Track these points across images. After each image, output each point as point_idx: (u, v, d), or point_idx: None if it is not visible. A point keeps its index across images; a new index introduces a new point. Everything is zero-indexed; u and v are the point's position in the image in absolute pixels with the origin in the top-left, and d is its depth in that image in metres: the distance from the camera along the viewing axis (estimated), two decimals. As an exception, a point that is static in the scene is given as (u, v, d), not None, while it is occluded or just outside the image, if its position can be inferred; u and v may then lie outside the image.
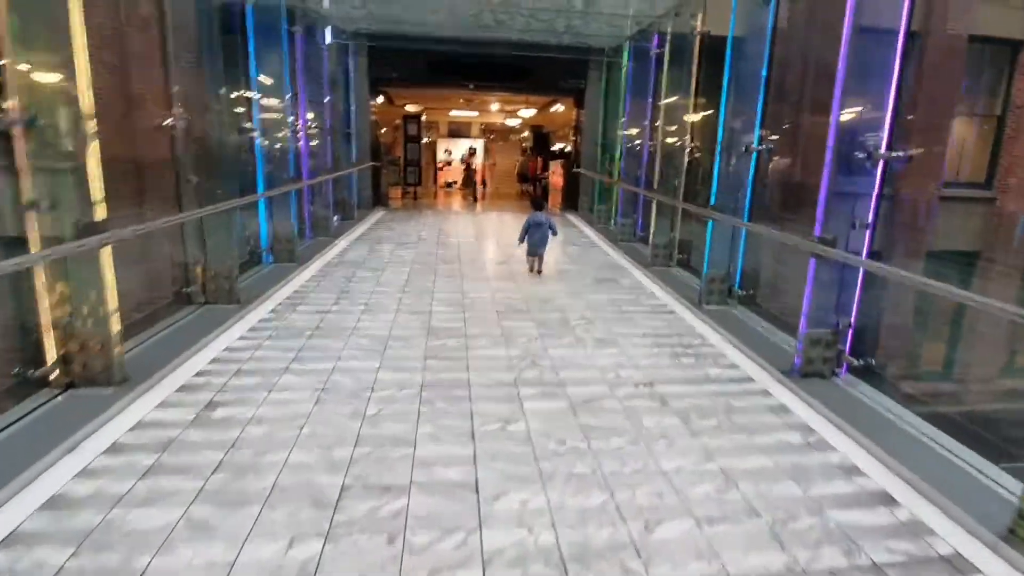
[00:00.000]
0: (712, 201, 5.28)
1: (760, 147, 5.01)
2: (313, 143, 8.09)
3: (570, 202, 12.72)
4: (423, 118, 21.47)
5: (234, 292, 4.64)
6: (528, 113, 18.77)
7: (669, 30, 7.03)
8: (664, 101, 7.34)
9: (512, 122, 22.13)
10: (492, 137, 30.78)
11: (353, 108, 10.71)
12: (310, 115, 8.07)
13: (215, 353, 3.77)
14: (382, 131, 20.09)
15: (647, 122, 8.43)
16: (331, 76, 8.97)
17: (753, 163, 5.09)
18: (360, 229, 9.05)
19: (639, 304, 5.40)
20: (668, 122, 7.23)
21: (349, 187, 9.60)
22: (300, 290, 5.41)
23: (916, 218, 7.89)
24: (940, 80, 7.85)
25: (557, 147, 19.15)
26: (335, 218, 9.16)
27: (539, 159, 20.56)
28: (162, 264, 4.50)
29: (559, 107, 19.29)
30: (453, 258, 7.23)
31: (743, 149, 5.05)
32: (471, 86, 11.51)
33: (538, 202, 7.44)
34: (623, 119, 9.49)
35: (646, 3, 7.67)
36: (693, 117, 6.70)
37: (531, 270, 6.66)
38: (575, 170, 12.06)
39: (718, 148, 5.23)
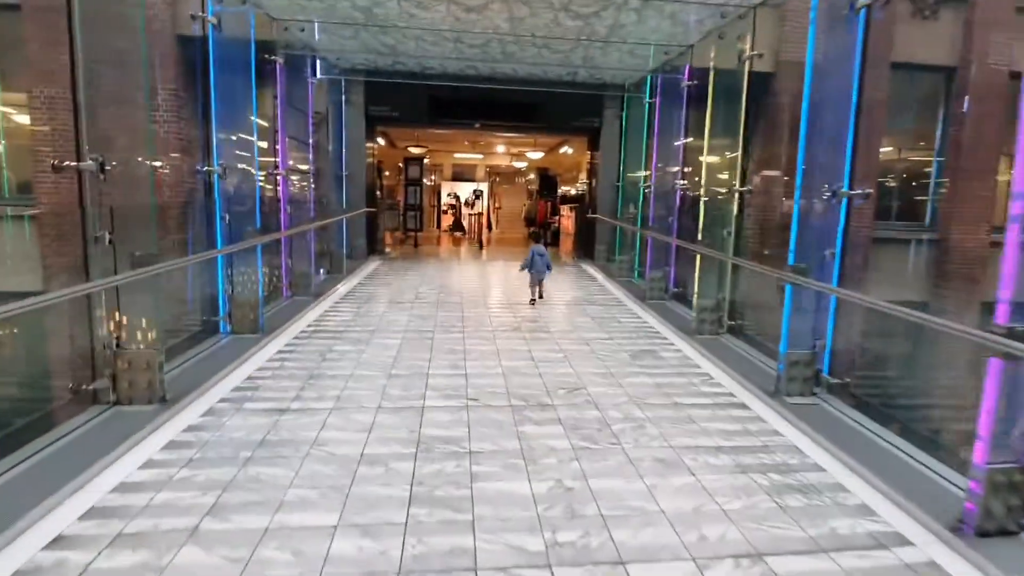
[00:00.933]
0: (791, 260, 4.09)
1: (852, 192, 3.85)
2: (294, 188, 7.04)
3: (584, 250, 11.61)
4: (426, 160, 20.76)
5: (156, 387, 3.43)
6: (536, 155, 17.96)
7: (712, 56, 6.03)
8: (702, 138, 6.28)
9: (519, 164, 21.34)
10: (497, 180, 30.14)
11: (346, 149, 9.75)
12: (295, 156, 7.04)
13: (96, 498, 2.53)
14: (385, 174, 19.35)
15: (678, 163, 7.36)
16: (320, 114, 8.00)
17: (843, 211, 3.93)
18: (348, 285, 7.90)
19: (696, 392, 4.14)
20: (708, 163, 6.15)
21: (339, 236, 8.50)
22: (255, 375, 4.19)
23: None
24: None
25: (569, 190, 18.29)
26: (320, 273, 8.03)
27: (547, 202, 19.66)
28: (51, 347, 3.31)
29: (568, 149, 18.50)
30: (455, 323, 6.02)
31: (829, 194, 3.90)
32: (476, 125, 10.58)
33: (536, 234, 8.99)
34: (649, 159, 8.46)
35: (677, 29, 6.72)
36: (738, 156, 5.62)
37: (533, 298, 7.41)
38: (590, 215, 11.00)
39: (796, 194, 4.08)
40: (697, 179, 6.72)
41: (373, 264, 9.95)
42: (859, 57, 3.79)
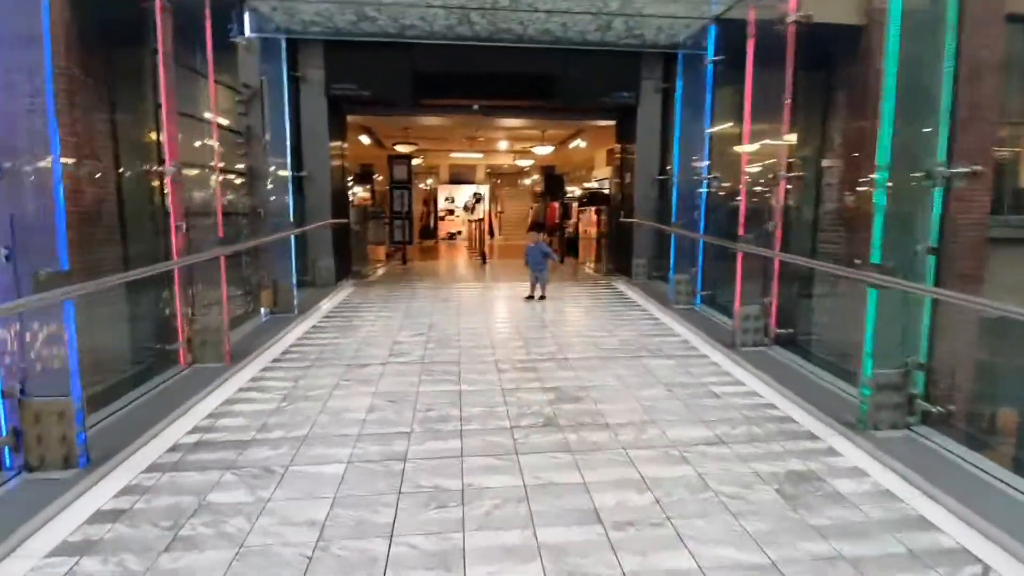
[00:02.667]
0: (875, 258, 2.88)
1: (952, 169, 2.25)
2: (200, 192, 4.64)
3: (616, 262, 9.17)
4: (419, 161, 18.33)
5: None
6: (544, 151, 15.56)
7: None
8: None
9: (523, 163, 18.94)
10: (499, 182, 27.76)
11: (301, 141, 7.35)
12: (200, 148, 4.65)
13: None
14: (377, 178, 16.93)
15: (780, 146, 4.92)
16: (249, 88, 5.62)
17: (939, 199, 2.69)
18: (294, 333, 5.47)
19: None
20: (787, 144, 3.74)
21: (287, 260, 6.07)
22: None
23: None
24: None
25: (595, 188, 15.89)
26: (262, 315, 5.64)
27: (559, 204, 17.24)
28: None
29: (580, 143, 16.09)
30: (447, 412, 3.57)
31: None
32: (475, 107, 8.17)
33: (537, 224, 8.40)
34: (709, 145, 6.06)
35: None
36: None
37: (531, 295, 7.03)
38: (623, 219, 8.57)
39: (880, 176, 2.71)
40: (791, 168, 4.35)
41: (343, 293, 7.52)
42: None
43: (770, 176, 4.85)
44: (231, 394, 3.84)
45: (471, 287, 8.30)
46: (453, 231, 22.30)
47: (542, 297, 7.05)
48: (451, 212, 22.85)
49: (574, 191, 30.58)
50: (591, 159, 19.05)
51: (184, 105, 4.25)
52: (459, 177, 23.79)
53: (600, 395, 3.82)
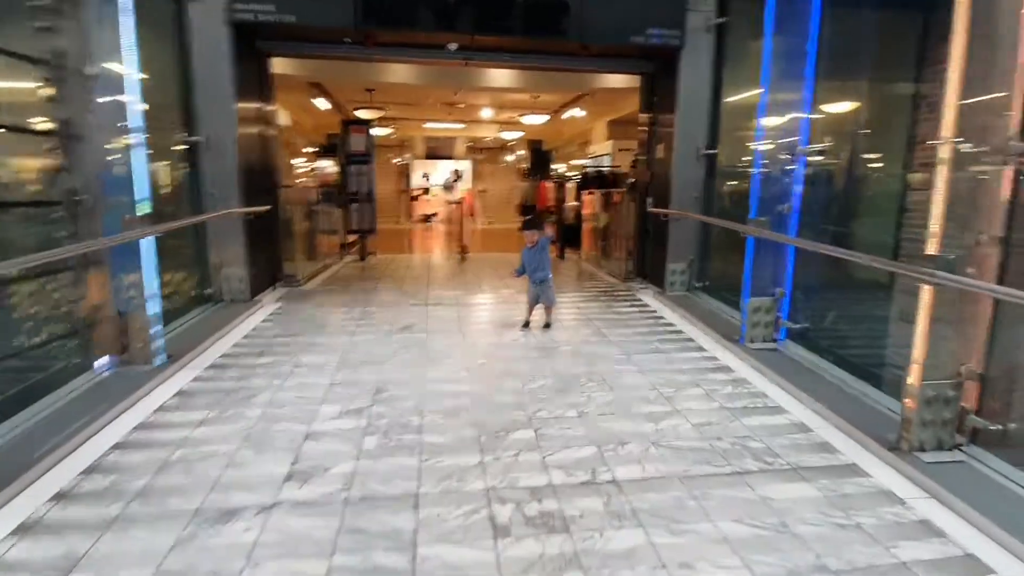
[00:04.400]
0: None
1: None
2: None
3: (641, 264, 6.97)
4: (383, 130, 15.78)
5: None
6: (536, 121, 13.17)
7: None
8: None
9: (511, 135, 16.53)
10: (481, 157, 25.25)
11: (198, 91, 4.94)
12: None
13: None
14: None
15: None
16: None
17: None
18: (128, 417, 3.16)
19: None
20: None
21: (134, 272, 3.69)
22: None
23: None
24: None
25: (580, 164, 13.62)
26: (97, 368, 3.33)
27: (549, 185, 14.93)
28: None
29: (578, 111, 13.74)
30: None
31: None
32: (451, 47, 5.78)
33: (532, 222, 5.10)
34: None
35: None
36: None
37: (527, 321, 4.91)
38: (652, 209, 6.35)
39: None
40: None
41: (257, 316, 5.18)
42: None
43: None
44: None
45: (446, 301, 6.02)
46: (429, 213, 19.88)
47: (546, 326, 4.87)
48: (426, 191, 20.39)
49: (559, 168, 28.24)
50: (587, 132, 16.71)
51: None
52: (437, 151, 21.26)
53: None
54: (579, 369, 3.93)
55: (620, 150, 14.11)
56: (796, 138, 4.20)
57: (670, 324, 5.13)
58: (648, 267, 6.73)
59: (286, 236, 6.38)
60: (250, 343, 4.38)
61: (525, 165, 24.64)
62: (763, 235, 4.19)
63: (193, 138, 4.93)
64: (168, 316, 4.12)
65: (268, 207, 5.65)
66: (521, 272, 4.90)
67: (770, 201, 4.30)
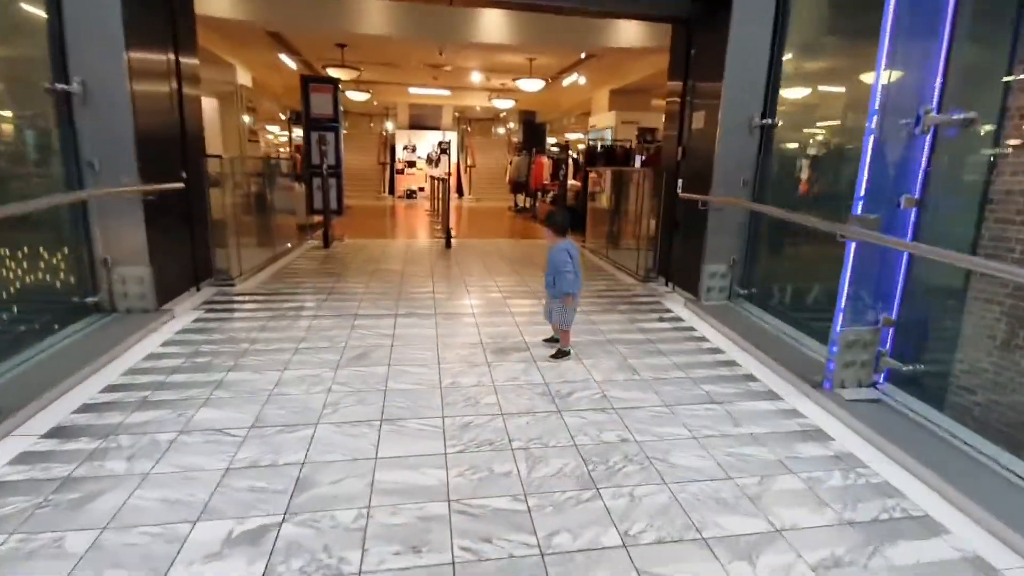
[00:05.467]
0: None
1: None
2: None
3: (665, 262, 5.69)
4: (361, 95, 14.16)
5: None
6: (532, 86, 11.68)
7: None
8: None
9: (503, 103, 15.00)
10: (469, 128, 23.64)
11: (72, 24, 3.49)
12: None
13: None
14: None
15: None
16: None
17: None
18: None
19: None
20: None
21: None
22: None
23: None
24: None
25: (592, 139, 12.27)
26: None
27: (545, 160, 13.56)
28: None
29: (577, 78, 12.30)
30: None
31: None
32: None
33: (556, 220, 3.66)
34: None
35: None
36: None
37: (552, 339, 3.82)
38: (686, 195, 5.03)
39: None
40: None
41: (165, 332, 3.82)
42: None
43: None
44: None
45: (422, 307, 4.70)
46: (413, 188, 18.38)
47: (565, 354, 3.60)
48: (411, 164, 18.84)
49: (551, 143, 26.69)
50: (586, 103, 15.24)
51: None
52: (421, 121, 19.64)
53: None
54: (608, 436, 2.66)
55: (623, 123, 12.73)
56: (925, 106, 2.89)
57: (717, 351, 3.86)
58: (673, 265, 5.45)
59: (218, 221, 4.98)
60: (131, 383, 3.04)
61: (517, 139, 23.10)
62: (874, 240, 2.90)
63: (63, 86, 3.49)
64: (13, 341, 2.77)
65: (181, 184, 4.23)
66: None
67: (882, 191, 3.00)
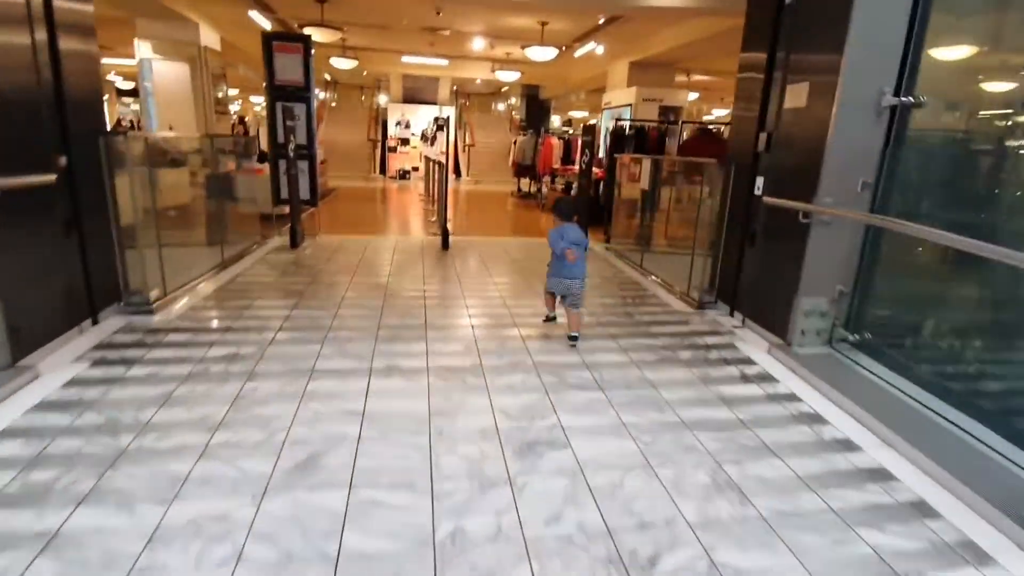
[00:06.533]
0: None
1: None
2: None
3: (733, 286, 4.36)
4: (348, 64, 12.53)
5: None
6: (543, 55, 10.17)
7: None
8: None
9: (507, 76, 13.45)
10: (468, 103, 22.01)
11: None
12: None
13: None
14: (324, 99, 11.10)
15: None
16: None
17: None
18: None
19: None
20: None
21: None
22: None
23: None
24: None
25: (623, 119, 10.84)
26: None
27: (554, 141, 12.14)
28: None
29: (594, 47, 10.81)
30: None
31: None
32: None
33: (564, 205, 3.71)
34: None
35: None
36: None
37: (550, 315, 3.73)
38: (770, 199, 3.69)
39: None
40: None
41: (13, 407, 2.52)
42: None
43: None
44: None
45: (412, 359, 3.37)
46: (406, 168, 16.89)
47: (573, 339, 3.27)
48: (405, 142, 17.30)
49: (555, 121, 25.03)
50: (600, 77, 13.72)
51: None
52: (416, 95, 18.03)
53: None
54: None
55: (645, 100, 11.28)
56: None
57: (850, 445, 2.56)
58: (744, 290, 4.13)
59: (130, 222, 3.60)
60: None
61: (519, 115, 21.52)
62: None
63: None
64: None
65: (51, 176, 2.85)
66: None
67: None
